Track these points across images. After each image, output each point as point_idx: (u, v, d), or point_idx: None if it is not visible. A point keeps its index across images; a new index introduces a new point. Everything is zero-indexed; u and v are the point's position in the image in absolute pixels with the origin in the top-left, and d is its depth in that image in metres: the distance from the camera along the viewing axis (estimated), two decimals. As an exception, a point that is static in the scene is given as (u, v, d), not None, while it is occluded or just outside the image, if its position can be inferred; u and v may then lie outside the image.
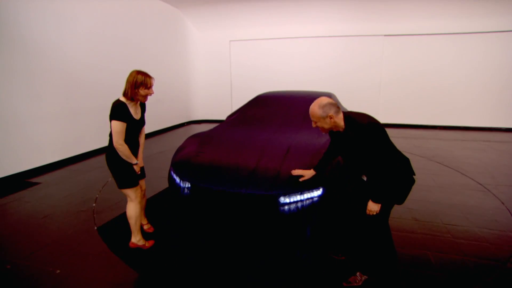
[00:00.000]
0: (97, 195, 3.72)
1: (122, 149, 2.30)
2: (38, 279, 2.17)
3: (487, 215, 3.07)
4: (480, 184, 3.90)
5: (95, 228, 2.92)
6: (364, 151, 1.82)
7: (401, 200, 1.93)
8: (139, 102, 2.43)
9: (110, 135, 2.34)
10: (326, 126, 1.89)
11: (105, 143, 6.28)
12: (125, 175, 2.42)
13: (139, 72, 2.28)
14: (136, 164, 2.45)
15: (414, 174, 1.91)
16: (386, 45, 8.08)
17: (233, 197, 2.41)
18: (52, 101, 4.82)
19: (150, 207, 3.29)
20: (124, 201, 3.36)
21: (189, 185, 2.66)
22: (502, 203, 3.34)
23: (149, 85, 2.30)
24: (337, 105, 1.86)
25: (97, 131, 5.76)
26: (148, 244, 2.60)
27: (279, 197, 2.35)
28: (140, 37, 6.92)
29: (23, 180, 4.25)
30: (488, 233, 2.72)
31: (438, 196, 3.56)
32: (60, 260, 2.40)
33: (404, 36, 7.93)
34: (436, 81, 7.89)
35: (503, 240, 2.60)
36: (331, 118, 1.84)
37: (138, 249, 2.53)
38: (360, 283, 2.07)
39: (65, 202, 3.53)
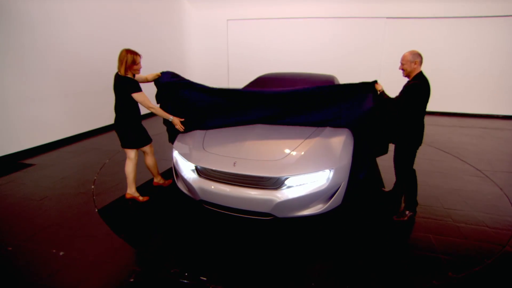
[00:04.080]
0: (95, 177, 3.64)
1: (156, 111, 2.85)
2: (42, 261, 2.13)
3: (486, 200, 3.13)
4: (479, 170, 3.97)
5: (96, 210, 2.87)
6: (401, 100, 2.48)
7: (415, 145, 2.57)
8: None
9: (117, 108, 2.80)
10: (408, 68, 2.51)
11: (99, 124, 6.09)
12: (129, 137, 2.86)
13: (128, 51, 2.67)
14: (172, 120, 2.93)
15: (421, 141, 2.56)
16: (388, 28, 7.91)
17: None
18: (44, 81, 4.59)
19: (151, 188, 3.26)
20: (122, 183, 3.42)
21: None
22: (500, 188, 3.40)
23: (137, 62, 2.73)
24: (421, 60, 2.50)
25: (91, 112, 5.58)
26: (143, 198, 3.04)
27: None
28: (134, 15, 6.57)
29: (16, 162, 4.12)
30: (487, 217, 2.78)
31: (438, 181, 3.60)
32: (62, 242, 2.36)
33: (407, 19, 7.75)
34: (436, 66, 7.82)
35: (501, 224, 2.66)
36: (415, 63, 2.48)
37: (141, 231, 2.51)
38: (406, 218, 2.67)
39: (63, 184, 3.44)
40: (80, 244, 2.34)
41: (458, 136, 5.71)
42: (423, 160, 4.30)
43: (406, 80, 2.59)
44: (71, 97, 5.11)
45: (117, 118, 2.84)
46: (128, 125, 2.83)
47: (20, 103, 4.29)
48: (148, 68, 7.34)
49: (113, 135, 5.58)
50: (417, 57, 2.48)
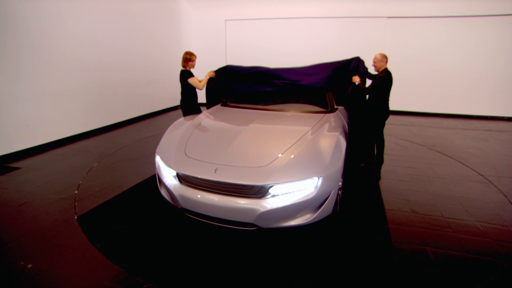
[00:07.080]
0: (80, 181, 3.51)
1: (203, 82, 4.00)
2: (7, 275, 1.99)
3: (489, 208, 2.94)
4: (482, 175, 3.76)
5: (75, 217, 2.74)
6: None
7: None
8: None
9: (182, 93, 4.00)
10: (378, 65, 3.73)
11: (91, 126, 6.00)
12: (195, 112, 3.89)
13: (187, 53, 3.91)
14: (208, 75, 4.06)
15: (388, 115, 3.87)
16: (389, 28, 7.71)
17: None
18: (34, 80, 4.49)
19: (140, 193, 3.12)
20: (108, 188, 3.35)
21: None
22: (505, 195, 3.20)
23: (192, 61, 3.96)
24: (387, 60, 3.71)
25: (83, 114, 5.47)
26: None
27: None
28: (131, 14, 6.48)
29: (2, 165, 4.02)
30: (490, 228, 2.59)
31: (438, 187, 3.41)
32: (33, 253, 2.22)
33: (408, 18, 7.54)
34: (439, 65, 7.61)
35: (506, 236, 2.47)
36: (382, 62, 3.70)
37: (119, 241, 2.37)
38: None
39: (45, 189, 3.32)
40: (51, 255, 2.21)
41: (461, 139, 5.49)
42: (423, 164, 4.10)
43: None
44: (61, 97, 5.01)
45: (182, 100, 4.03)
46: (191, 104, 3.99)
47: (10, 104, 4.19)
48: (146, 67, 7.27)
49: (106, 137, 5.47)
50: (384, 58, 3.71)
